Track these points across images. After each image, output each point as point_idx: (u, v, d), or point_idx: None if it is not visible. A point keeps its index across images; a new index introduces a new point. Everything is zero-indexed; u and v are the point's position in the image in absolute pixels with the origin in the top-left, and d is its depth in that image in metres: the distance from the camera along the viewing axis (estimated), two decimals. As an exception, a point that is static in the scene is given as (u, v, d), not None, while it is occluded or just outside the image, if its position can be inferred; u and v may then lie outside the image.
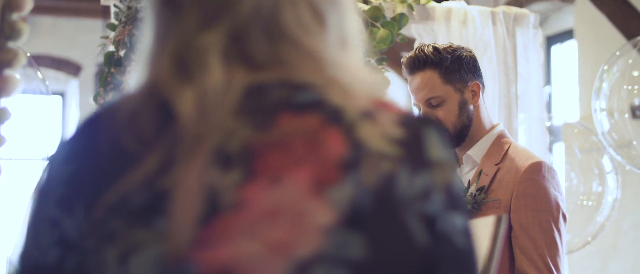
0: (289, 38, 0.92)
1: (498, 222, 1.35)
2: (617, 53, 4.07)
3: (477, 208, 2.63)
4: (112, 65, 3.11)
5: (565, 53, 7.88)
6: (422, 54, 2.68)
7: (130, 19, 3.05)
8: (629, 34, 5.80)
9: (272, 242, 0.82)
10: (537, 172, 2.59)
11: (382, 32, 3.28)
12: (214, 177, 0.84)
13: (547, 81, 7.87)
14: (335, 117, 0.88)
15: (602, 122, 4.07)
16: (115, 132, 0.89)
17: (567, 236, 2.68)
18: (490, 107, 3.56)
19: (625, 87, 4.09)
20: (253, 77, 0.89)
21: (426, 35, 3.61)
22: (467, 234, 0.92)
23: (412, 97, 2.73)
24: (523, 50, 3.66)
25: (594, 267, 6.71)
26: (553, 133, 5.27)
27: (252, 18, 0.91)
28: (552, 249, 2.55)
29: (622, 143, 4.08)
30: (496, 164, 2.68)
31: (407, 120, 0.91)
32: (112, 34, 3.17)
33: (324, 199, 0.84)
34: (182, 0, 0.94)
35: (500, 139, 2.74)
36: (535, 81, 3.68)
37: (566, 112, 7.69)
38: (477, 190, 2.64)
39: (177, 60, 0.91)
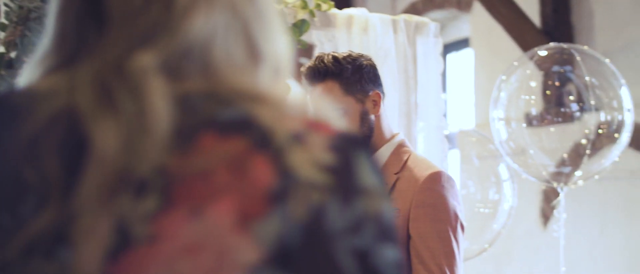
0: (218, 73, 0.85)
1: None
2: (516, 63, 4.14)
3: (376, 216, 2.62)
4: (2, 67, 2.99)
5: (461, 61, 8.00)
6: (322, 64, 2.65)
7: (22, 19, 2.93)
8: (524, 45, 5.93)
9: None
10: (436, 182, 2.60)
11: (283, 38, 3.24)
12: (125, 205, 0.77)
13: (444, 88, 7.98)
14: (263, 141, 0.80)
15: (500, 130, 4.13)
16: (14, 159, 0.80)
17: (464, 244, 2.69)
18: (390, 115, 3.57)
19: (522, 97, 4.16)
20: (177, 88, 0.82)
21: (327, 42, 3.59)
22: (398, 267, 0.84)
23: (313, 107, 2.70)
24: (423, 59, 3.68)
25: (487, 273, 6.82)
26: (449, 141, 5.33)
27: (186, 46, 0.84)
28: (450, 258, 2.56)
29: (518, 151, 4.14)
30: (396, 174, 2.67)
31: (338, 143, 0.83)
32: (2, 35, 3.05)
33: (249, 234, 0.77)
34: (112, 13, 0.85)
35: (400, 149, 2.74)
36: (434, 89, 3.71)
37: (462, 120, 7.81)
38: (376, 199, 2.63)
39: (100, 84, 0.81)
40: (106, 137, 0.78)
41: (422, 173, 2.62)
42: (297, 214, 0.78)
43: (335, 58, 2.66)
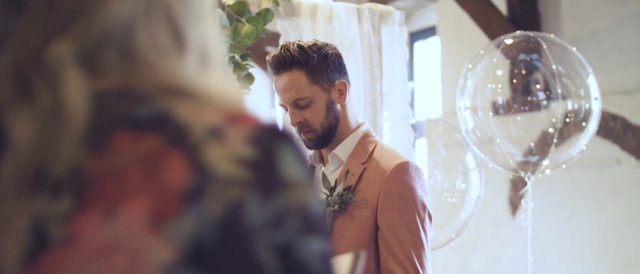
0: (142, 60, 0.81)
1: (356, 259, 1.28)
2: (482, 52, 4.12)
3: (343, 207, 2.59)
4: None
5: (428, 49, 7.99)
6: (288, 53, 2.61)
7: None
8: (491, 33, 5.92)
9: None
10: (403, 172, 2.57)
11: (247, 27, 3.20)
12: (41, 204, 0.74)
13: (410, 77, 7.96)
14: (178, 137, 0.77)
15: (466, 119, 4.11)
16: None
17: (431, 234, 2.66)
18: (355, 104, 3.53)
19: (489, 85, 4.13)
20: (92, 86, 0.78)
21: (291, 31, 3.55)
22: (325, 258, 0.82)
23: (278, 97, 2.66)
24: (388, 48, 3.65)
25: (454, 262, 6.82)
26: (416, 129, 5.31)
27: (105, 32, 0.80)
28: (419, 249, 2.54)
29: (485, 140, 4.12)
30: (363, 164, 2.64)
31: (259, 136, 0.80)
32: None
33: (162, 234, 0.74)
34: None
35: (366, 138, 2.71)
36: (399, 78, 3.68)
37: (428, 108, 7.80)
38: (344, 189, 2.60)
39: (19, 74, 0.78)
40: (22, 131, 0.76)
41: (390, 163, 2.59)
42: (213, 211, 0.75)
43: (300, 47, 2.62)
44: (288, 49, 2.62)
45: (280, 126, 0.82)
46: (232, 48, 3.26)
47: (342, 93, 2.67)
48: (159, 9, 0.83)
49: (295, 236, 0.79)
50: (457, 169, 4.40)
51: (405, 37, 3.71)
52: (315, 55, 2.61)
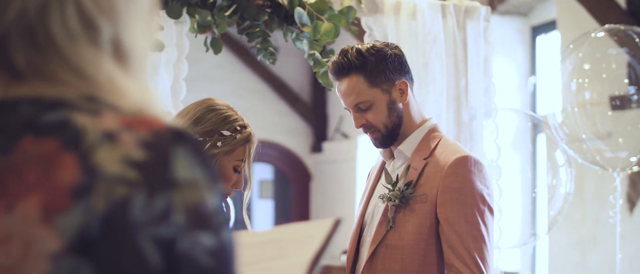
0: (55, 47, 0.91)
1: (335, 226, 1.35)
2: (571, 46, 4.05)
3: (404, 202, 2.64)
4: None
5: (550, 44, 7.84)
6: (346, 59, 2.69)
7: None
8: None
9: (1, 268, 0.84)
10: (462, 166, 2.60)
11: (326, 25, 3.28)
12: None
13: (532, 71, 7.85)
14: (73, 141, 0.87)
15: (555, 115, 4.05)
16: None
17: (492, 227, 2.67)
18: (439, 99, 3.56)
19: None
20: (7, 91, 0.89)
21: (376, 28, 3.61)
22: (216, 254, 0.90)
23: (342, 101, 2.74)
24: (473, 43, 3.65)
25: (572, 260, 6.70)
26: (536, 126, 5.25)
27: (16, 21, 0.90)
28: (479, 242, 2.57)
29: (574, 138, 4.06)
30: (425, 159, 2.69)
31: (153, 139, 0.89)
32: None
33: (52, 226, 0.84)
34: None
35: (430, 134, 2.76)
36: (483, 73, 3.68)
37: (551, 103, 7.65)
38: (405, 185, 2.65)
39: None
40: None
41: (449, 158, 2.63)
42: (98, 207, 0.85)
43: (358, 51, 2.69)
44: (346, 55, 2.69)
45: (184, 131, 0.92)
46: (313, 45, 3.35)
47: (403, 92, 2.72)
48: None
49: (180, 232, 0.88)
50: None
51: (490, 32, 3.71)
52: (373, 59, 2.67)
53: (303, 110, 13.95)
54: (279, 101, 13.96)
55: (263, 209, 16.34)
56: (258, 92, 13.80)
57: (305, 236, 1.35)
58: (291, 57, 12.16)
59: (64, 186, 0.85)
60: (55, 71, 0.91)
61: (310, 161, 14.45)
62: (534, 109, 7.64)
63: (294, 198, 14.68)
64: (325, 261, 1.31)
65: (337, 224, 1.34)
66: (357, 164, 10.94)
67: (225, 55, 13.24)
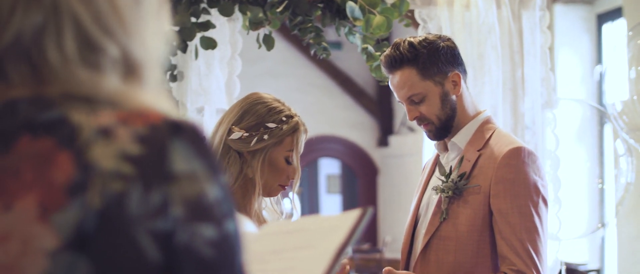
0: (51, 70, 0.92)
1: (362, 216, 1.35)
2: (630, 33, 3.98)
3: (458, 194, 2.64)
4: None
5: (617, 31, 7.70)
6: (398, 52, 2.69)
7: None
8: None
9: (0, 266, 0.85)
10: (515, 157, 2.58)
11: (378, 18, 3.28)
12: None
13: (598, 60, 7.74)
14: (69, 138, 0.88)
15: (615, 104, 3.98)
16: None
17: (546, 218, 2.65)
18: (495, 90, 3.54)
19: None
20: (6, 94, 0.91)
21: (430, 20, 3.60)
22: (218, 245, 0.90)
23: (395, 95, 2.75)
24: (529, 33, 3.62)
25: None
26: (603, 116, 5.18)
27: (12, 46, 0.91)
28: (532, 233, 2.54)
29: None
30: (478, 150, 2.68)
31: (149, 133, 0.90)
32: None
33: (49, 224, 0.85)
34: None
35: (484, 126, 2.74)
36: (541, 63, 3.64)
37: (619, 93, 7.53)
38: (458, 176, 2.65)
39: None
40: None
41: (502, 149, 2.61)
42: (94, 203, 0.86)
43: (410, 44, 2.69)
44: (398, 48, 2.69)
45: (182, 122, 0.92)
46: (366, 39, 3.36)
47: (456, 84, 2.71)
48: (67, 20, 0.92)
49: (178, 224, 0.88)
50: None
51: (547, 21, 3.67)
52: (425, 51, 2.67)
53: (368, 104, 13.95)
54: (344, 96, 13.98)
55: (331, 204, 16.38)
56: (323, 87, 13.84)
57: (332, 226, 1.35)
58: (355, 51, 12.18)
59: (59, 184, 0.86)
60: (52, 83, 0.92)
61: (376, 155, 14.44)
62: (601, 99, 7.53)
63: (361, 192, 14.69)
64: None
65: (364, 214, 1.35)
66: (423, 157, 10.80)
67: (289, 52, 13.30)
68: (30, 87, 0.91)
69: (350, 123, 14.11)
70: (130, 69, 0.96)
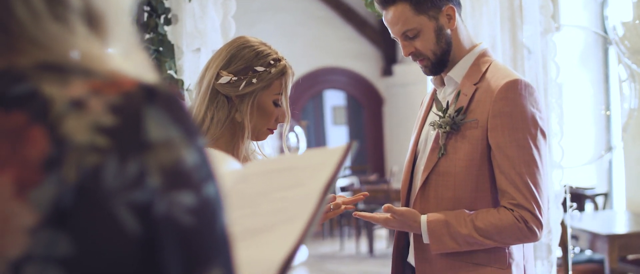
0: (22, 28, 0.90)
1: (347, 150, 1.34)
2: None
3: (455, 128, 2.62)
4: None
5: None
6: None
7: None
8: None
9: None
10: (512, 90, 2.55)
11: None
12: None
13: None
14: (41, 112, 0.86)
15: (616, 27, 3.93)
16: None
17: (545, 151, 2.63)
18: (492, 21, 3.50)
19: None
20: None
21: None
22: (198, 211, 0.89)
23: (389, 31, 2.72)
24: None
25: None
26: (607, 41, 5.12)
27: None
28: (531, 166, 2.53)
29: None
30: (475, 84, 2.65)
31: (123, 102, 0.88)
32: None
33: (26, 200, 0.84)
34: None
35: (480, 59, 2.71)
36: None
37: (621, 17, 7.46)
38: (455, 111, 2.63)
39: None
40: None
41: (499, 82, 2.58)
42: (69, 177, 0.84)
43: None
44: None
45: (156, 87, 0.89)
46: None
47: (451, 18, 2.68)
48: None
49: (156, 194, 0.87)
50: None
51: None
52: None
53: (371, 34, 13.87)
54: (347, 27, 13.90)
55: (337, 135, 16.41)
56: (325, 19, 13.75)
57: (319, 163, 1.34)
58: (356, -19, 12.06)
59: (34, 160, 0.85)
60: (23, 48, 0.90)
61: (381, 84, 14.41)
62: (604, 24, 7.46)
63: (367, 123, 14.70)
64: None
65: (349, 148, 1.34)
66: (428, 86, 10.85)
67: (290, -16, 13.20)
68: (2, 58, 0.89)
69: (354, 54, 14.06)
70: (93, 21, 0.93)
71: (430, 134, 2.74)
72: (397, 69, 13.87)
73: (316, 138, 16.07)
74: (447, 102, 2.70)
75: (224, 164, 1.57)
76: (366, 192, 2.69)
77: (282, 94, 2.40)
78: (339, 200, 2.59)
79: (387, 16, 2.69)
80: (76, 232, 0.85)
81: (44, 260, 0.84)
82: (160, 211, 0.87)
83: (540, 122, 2.57)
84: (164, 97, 0.90)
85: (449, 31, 2.68)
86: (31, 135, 0.85)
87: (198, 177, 0.89)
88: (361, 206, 10.88)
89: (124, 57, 0.95)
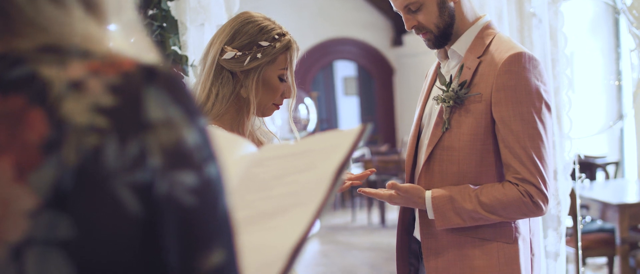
0: (18, 10, 0.89)
1: (361, 132, 1.34)
2: None
3: (459, 102, 2.60)
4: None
5: None
6: None
7: None
8: None
9: None
10: (516, 63, 2.53)
11: None
12: None
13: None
14: (40, 95, 0.85)
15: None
16: None
17: (550, 124, 2.60)
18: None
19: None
20: None
21: None
22: (199, 191, 0.88)
23: (392, 4, 2.69)
24: None
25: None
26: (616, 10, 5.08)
27: None
28: (536, 140, 2.51)
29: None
30: (478, 57, 2.63)
31: (123, 82, 0.87)
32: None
33: (26, 184, 0.83)
34: None
35: (484, 31, 2.69)
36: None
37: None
38: (458, 85, 2.61)
39: None
40: None
41: (503, 55, 2.56)
42: (69, 159, 0.83)
43: None
44: None
45: (156, 67, 0.89)
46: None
47: (454, -10, 2.65)
48: None
49: (157, 174, 0.86)
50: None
51: None
52: None
53: (381, 3, 13.80)
54: (355, -3, 13.85)
55: (348, 106, 16.39)
56: (333, -10, 13.70)
57: (333, 146, 1.33)
58: (365, -49, 11.97)
59: (33, 143, 0.84)
60: (21, 31, 0.89)
61: (391, 55, 14.36)
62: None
63: (377, 93, 14.67)
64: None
65: (363, 130, 1.33)
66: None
67: (298, -45, 13.13)
68: (1, 41, 0.88)
69: (364, 24, 14.00)
70: (90, 5, 0.93)
71: (434, 108, 2.72)
72: (407, 39, 13.81)
73: (327, 109, 16.05)
74: (451, 76, 2.67)
75: (239, 148, 1.57)
76: (374, 169, 2.67)
77: (287, 68, 2.39)
78: (345, 176, 2.58)
79: None
80: (77, 214, 0.84)
81: (45, 243, 0.84)
82: (161, 190, 0.86)
83: (544, 95, 2.54)
84: (163, 77, 0.89)
85: (452, 4, 2.66)
86: (30, 118, 0.84)
87: (199, 157, 0.89)
88: (373, 177, 10.88)
89: (123, 37, 0.94)
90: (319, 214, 1.21)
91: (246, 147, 1.58)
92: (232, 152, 1.53)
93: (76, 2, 0.92)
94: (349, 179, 2.57)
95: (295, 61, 2.42)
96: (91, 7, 0.93)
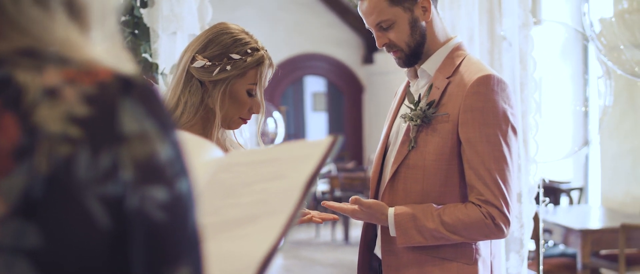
0: (2, 12, 0.88)
1: (333, 143, 1.32)
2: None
3: (426, 121, 2.60)
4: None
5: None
6: None
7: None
8: None
9: None
10: (484, 85, 2.54)
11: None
12: None
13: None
14: (14, 100, 0.83)
15: (593, 24, 3.92)
16: None
17: (516, 147, 2.61)
18: (471, 13, 3.48)
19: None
20: None
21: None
22: (170, 207, 0.87)
23: (364, 21, 2.69)
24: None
25: None
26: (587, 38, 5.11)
27: None
28: (500, 163, 2.52)
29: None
30: (448, 78, 2.64)
31: (98, 92, 0.85)
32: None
33: None
34: None
35: (454, 52, 2.70)
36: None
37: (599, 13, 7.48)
38: (426, 104, 2.61)
39: None
40: None
41: (471, 77, 2.57)
42: (41, 167, 0.82)
43: None
44: None
45: (133, 79, 0.87)
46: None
47: (426, 10, 2.66)
48: None
49: (128, 188, 0.85)
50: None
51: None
52: None
53: (353, 21, 13.84)
54: (328, 13, 13.87)
55: (317, 122, 16.39)
56: (307, 5, 13.72)
57: (303, 155, 1.31)
58: (340, -32, 12.00)
59: (5, 149, 0.82)
60: (3, 33, 0.88)
61: (362, 72, 14.40)
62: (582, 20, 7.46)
63: (346, 110, 14.69)
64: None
65: (335, 141, 1.31)
66: (408, 75, 10.80)
67: (274, -32, 13.14)
68: None
69: (335, 41, 14.03)
70: (74, 9, 0.91)
71: (401, 126, 2.73)
72: (378, 57, 13.86)
73: (295, 124, 16.04)
74: (420, 95, 2.68)
75: (207, 152, 1.55)
76: (336, 217, 2.67)
77: (257, 84, 2.37)
78: (313, 212, 2.60)
79: (363, 6, 2.67)
80: (45, 223, 0.83)
81: (12, 251, 0.82)
82: (132, 205, 0.85)
83: (511, 118, 2.56)
84: (139, 89, 0.87)
85: (424, 23, 2.67)
86: (2, 123, 0.83)
87: (171, 173, 0.88)
88: (338, 193, 10.88)
89: (103, 47, 0.92)
90: (289, 224, 1.20)
91: (214, 151, 1.57)
92: (199, 155, 1.51)
93: (61, 7, 0.90)
94: (310, 215, 2.59)
95: (267, 78, 2.41)
96: (75, 13, 0.92)
